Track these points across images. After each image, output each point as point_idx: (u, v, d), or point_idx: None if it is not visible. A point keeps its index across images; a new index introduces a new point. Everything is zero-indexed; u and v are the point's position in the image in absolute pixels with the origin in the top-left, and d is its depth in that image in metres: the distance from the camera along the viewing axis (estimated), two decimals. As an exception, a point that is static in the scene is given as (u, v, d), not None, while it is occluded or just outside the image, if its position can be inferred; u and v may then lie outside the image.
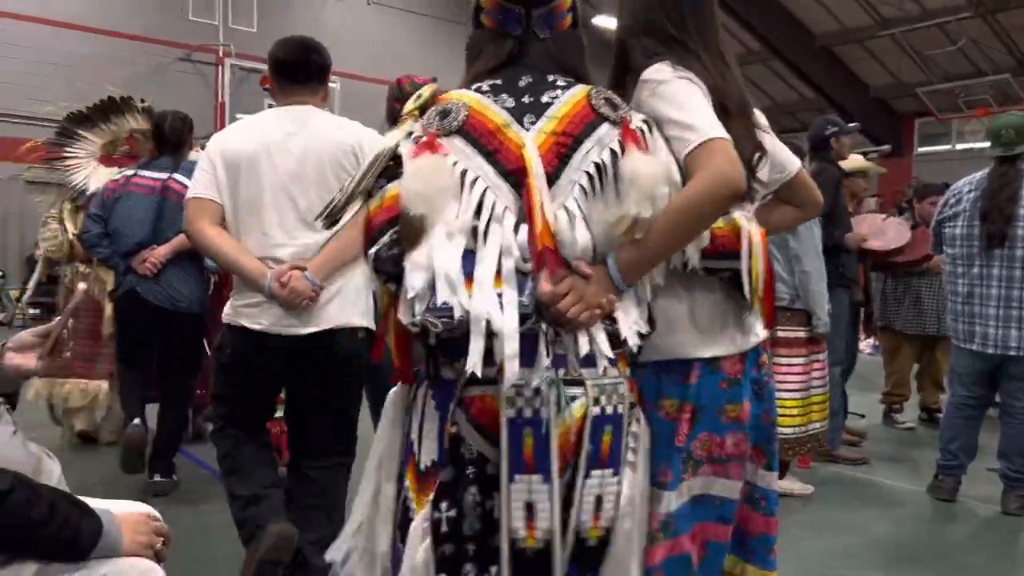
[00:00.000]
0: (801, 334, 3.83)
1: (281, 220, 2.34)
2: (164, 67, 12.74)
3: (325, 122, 2.44)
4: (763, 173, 1.63)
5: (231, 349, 2.42)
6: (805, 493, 3.97)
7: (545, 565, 1.30)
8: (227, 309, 2.43)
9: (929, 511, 3.86)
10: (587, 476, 1.32)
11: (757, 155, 1.58)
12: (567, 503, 1.32)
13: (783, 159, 1.78)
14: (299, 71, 2.46)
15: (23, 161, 4.89)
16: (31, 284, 5.14)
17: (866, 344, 7.82)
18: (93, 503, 1.34)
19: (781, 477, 3.93)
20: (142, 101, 4.55)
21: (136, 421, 3.66)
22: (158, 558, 1.43)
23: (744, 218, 1.53)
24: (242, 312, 2.37)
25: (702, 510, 1.57)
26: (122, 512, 1.41)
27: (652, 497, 1.50)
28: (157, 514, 1.50)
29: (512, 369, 1.25)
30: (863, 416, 5.73)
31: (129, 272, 3.63)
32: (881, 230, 5.06)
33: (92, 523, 1.31)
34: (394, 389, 1.52)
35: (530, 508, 1.29)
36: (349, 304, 2.39)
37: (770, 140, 1.69)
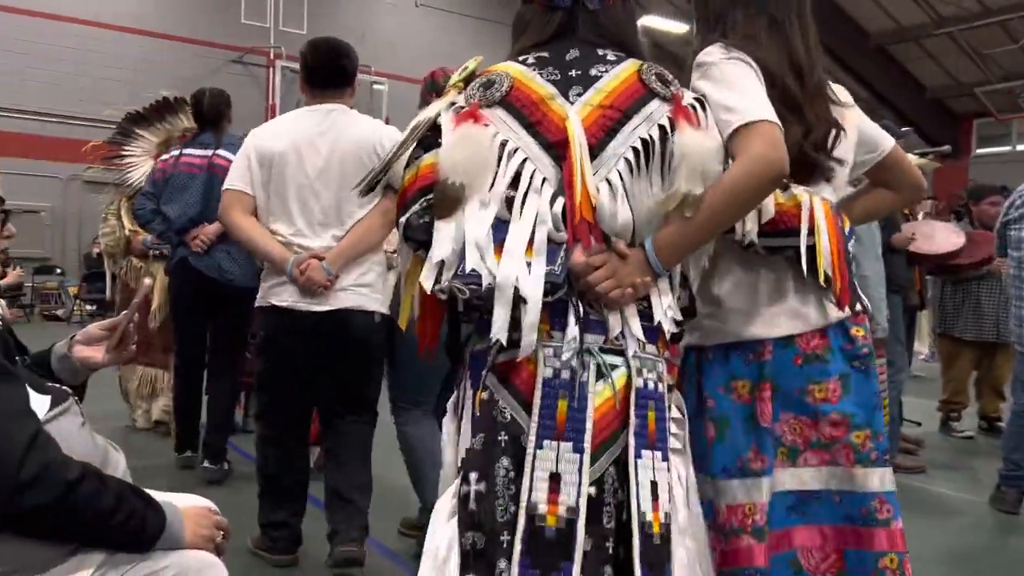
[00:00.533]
0: (859, 339, 3.74)
1: (305, 213, 2.54)
2: (217, 69, 12.98)
3: (350, 121, 2.60)
4: (846, 153, 1.56)
5: (264, 330, 2.66)
6: (861, 501, 3.86)
7: (564, 548, 1.18)
8: (259, 294, 2.64)
9: (990, 523, 3.74)
10: (638, 455, 1.25)
11: (835, 132, 1.52)
12: (610, 482, 1.24)
13: (873, 136, 1.67)
14: (331, 77, 2.63)
15: (85, 161, 5.04)
16: (108, 281, 5.35)
17: (922, 349, 7.62)
18: (157, 496, 1.36)
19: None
20: (186, 102, 4.64)
21: (188, 453, 3.99)
22: (218, 551, 1.44)
23: (808, 194, 1.48)
24: (269, 292, 2.58)
25: (820, 510, 1.48)
26: (185, 505, 1.42)
27: (736, 489, 1.44)
28: (217, 508, 1.51)
29: (530, 339, 1.22)
30: (919, 424, 5.57)
31: (181, 245, 3.79)
32: (929, 234, 4.93)
33: (157, 515, 1.32)
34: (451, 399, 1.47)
35: (555, 480, 1.20)
36: (365, 290, 2.59)
37: (856, 116, 1.62)
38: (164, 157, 4.03)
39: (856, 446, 1.49)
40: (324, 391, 2.71)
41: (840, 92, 1.63)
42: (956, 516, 3.82)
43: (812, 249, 1.45)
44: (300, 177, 2.52)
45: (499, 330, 1.23)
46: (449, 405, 1.45)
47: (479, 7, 14.73)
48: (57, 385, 1.43)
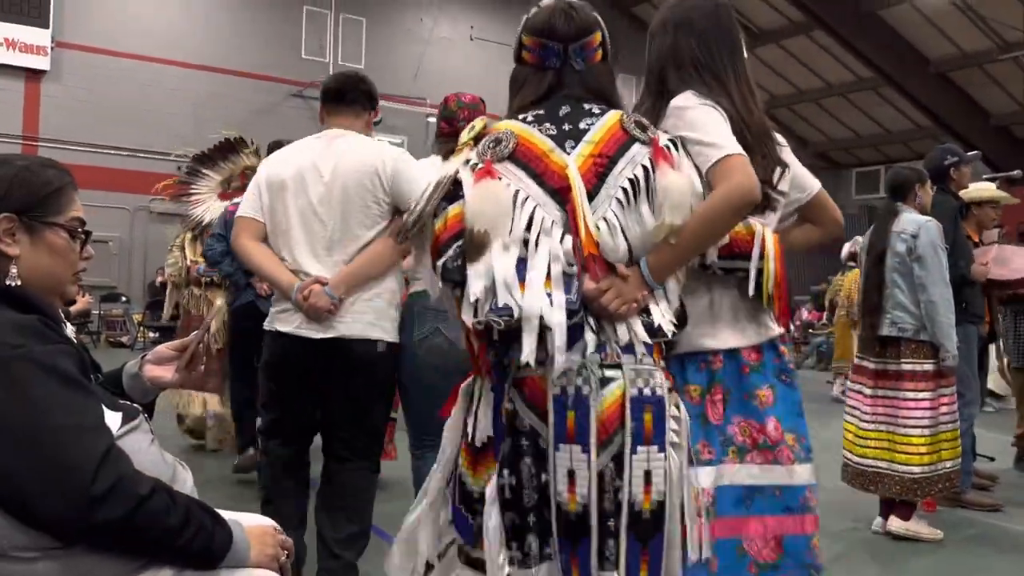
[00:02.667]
0: (928, 367, 3.63)
1: (310, 238, 2.55)
2: (278, 103, 13.39)
3: (354, 145, 2.60)
4: (783, 186, 1.81)
5: (268, 353, 2.65)
6: (935, 538, 3.70)
7: (583, 527, 1.49)
8: (268, 317, 2.67)
9: (1075, 564, 3.55)
10: (633, 451, 1.49)
11: (779, 170, 1.78)
12: (608, 475, 1.48)
13: (804, 179, 1.93)
14: (343, 94, 2.69)
15: (151, 193, 5.30)
16: (166, 308, 5.81)
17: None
18: (223, 514, 1.36)
19: (907, 518, 3.71)
20: (252, 142, 4.94)
21: (251, 451, 4.08)
22: (282, 571, 1.44)
23: (761, 224, 1.71)
24: (276, 317, 2.61)
25: (763, 503, 1.69)
26: (250, 524, 1.42)
27: (699, 475, 1.64)
28: (280, 528, 1.51)
29: (560, 359, 1.45)
30: (993, 459, 5.35)
31: (249, 287, 3.93)
32: (1005, 259, 4.74)
33: (224, 533, 1.32)
34: (464, 382, 1.71)
35: (571, 475, 1.48)
36: (369, 318, 2.55)
37: (790, 159, 1.86)
38: (236, 200, 4.09)
39: (791, 446, 1.72)
40: (326, 420, 2.67)
41: (779, 139, 1.85)
42: (1037, 556, 3.63)
43: (760, 272, 1.68)
44: (303, 202, 2.53)
45: (528, 354, 1.46)
46: (455, 410, 1.70)
47: (532, 39, 14.93)
48: (128, 403, 1.46)
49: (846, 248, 7.54)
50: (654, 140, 1.59)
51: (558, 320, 1.45)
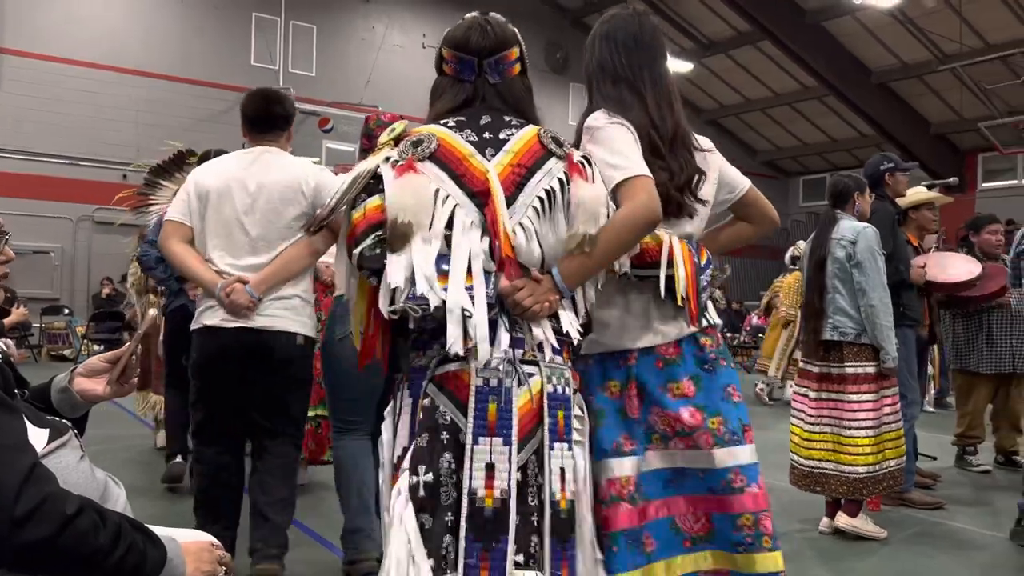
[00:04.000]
0: (870, 370, 3.71)
1: (234, 243, 2.77)
2: (225, 111, 13.15)
3: (279, 161, 2.85)
4: (707, 192, 1.92)
5: (196, 351, 2.84)
6: (879, 536, 3.78)
7: (500, 524, 1.48)
8: (194, 318, 2.84)
9: (1014, 559, 3.64)
10: (551, 448, 1.55)
11: (696, 178, 1.88)
12: (532, 469, 1.53)
13: (732, 179, 2.03)
14: (260, 122, 2.93)
15: (95, 202, 5.30)
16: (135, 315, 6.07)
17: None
18: (158, 531, 1.32)
19: (854, 516, 3.78)
20: (193, 153, 4.97)
21: (179, 459, 4.22)
22: (220, 587, 1.40)
23: (668, 233, 1.83)
24: (201, 315, 2.81)
25: (688, 483, 1.81)
26: (186, 540, 1.38)
27: (613, 466, 1.75)
28: (219, 543, 1.47)
29: (484, 348, 1.51)
30: (935, 458, 5.49)
31: (182, 293, 4.05)
32: (944, 265, 4.90)
33: (158, 551, 1.28)
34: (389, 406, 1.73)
35: (490, 469, 1.50)
36: (288, 314, 2.78)
37: (718, 161, 1.98)
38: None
39: (713, 431, 1.81)
40: (251, 409, 2.87)
41: (703, 141, 1.97)
42: (977, 552, 3.72)
43: (671, 278, 1.79)
44: (229, 210, 2.76)
45: (454, 343, 1.51)
46: (386, 413, 1.72)
47: (484, 48, 14.95)
48: (56, 419, 1.41)
49: (789, 252, 7.71)
50: (569, 155, 1.69)
51: (481, 312, 1.52)
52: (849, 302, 3.74)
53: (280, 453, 2.87)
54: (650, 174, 1.71)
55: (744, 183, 2.05)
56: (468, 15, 1.81)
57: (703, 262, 1.88)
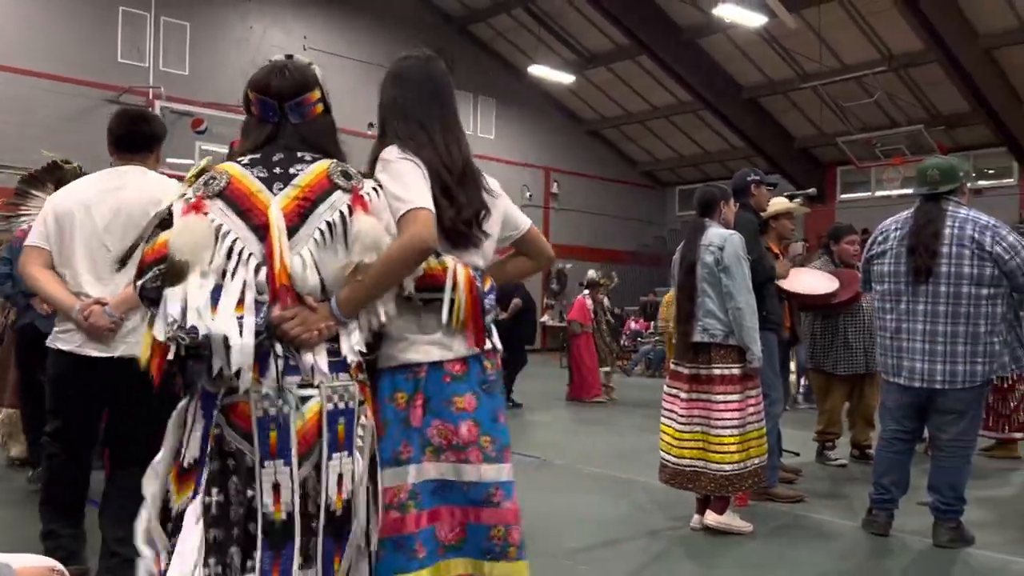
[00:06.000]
0: (736, 371, 3.88)
1: (95, 263, 2.79)
2: (91, 109, 12.43)
3: (141, 180, 2.89)
4: (492, 228, 2.09)
5: (53, 368, 2.88)
6: (745, 530, 3.96)
7: (288, 534, 1.67)
8: (51, 335, 2.87)
9: (865, 546, 3.90)
10: (329, 459, 1.70)
11: (483, 213, 2.03)
12: (311, 482, 1.68)
13: (515, 218, 2.21)
14: (126, 142, 2.96)
15: None
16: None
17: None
18: (-8, 554, 1.23)
19: (722, 512, 3.94)
20: (68, 162, 4.78)
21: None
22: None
23: (454, 261, 1.95)
24: (59, 337, 2.83)
25: (452, 495, 1.93)
26: (23, 566, 1.30)
27: (389, 475, 1.86)
28: (61, 567, 1.39)
29: (246, 377, 1.64)
30: (798, 454, 5.80)
31: (30, 309, 4.04)
32: (803, 280, 5.26)
33: (-12, 575, 1.20)
34: (179, 405, 1.82)
35: (276, 488, 1.66)
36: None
37: (503, 202, 2.15)
38: (25, 227, 4.18)
39: (483, 448, 1.94)
40: (108, 434, 2.91)
41: (492, 183, 2.13)
42: (833, 540, 3.96)
43: (453, 302, 1.92)
44: (88, 231, 2.78)
45: (217, 368, 1.63)
46: (171, 423, 1.81)
47: (366, 50, 14.74)
48: None
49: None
50: (355, 188, 1.81)
51: (246, 342, 1.63)
52: (717, 305, 3.90)
53: (132, 484, 2.80)
54: (431, 207, 1.85)
55: (525, 223, 2.24)
56: (273, 57, 1.97)
57: (486, 288, 2.02)
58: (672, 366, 4.16)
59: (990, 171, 15.50)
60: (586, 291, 10.24)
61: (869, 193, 16.66)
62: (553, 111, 18.98)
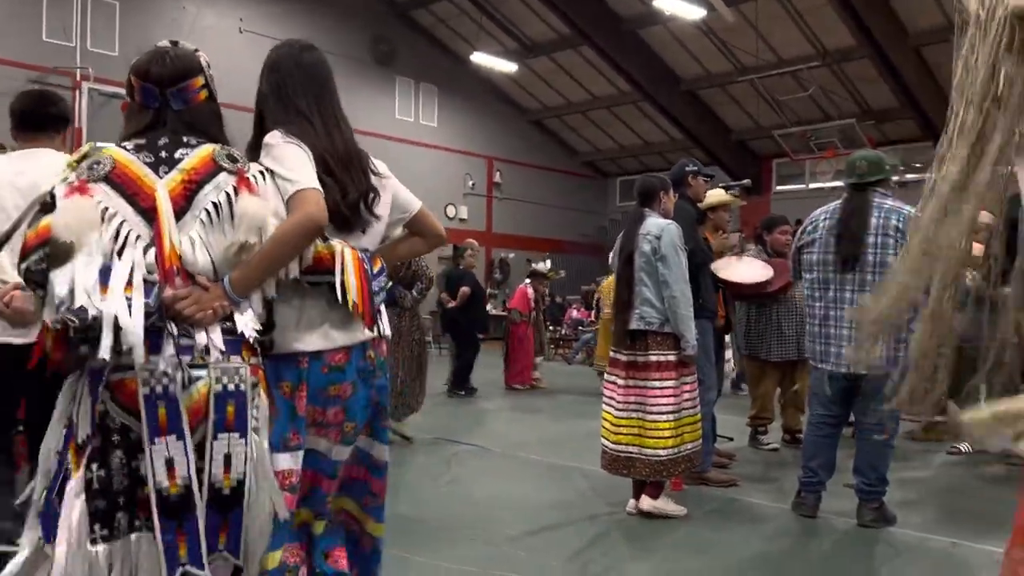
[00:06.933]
0: (671, 357, 3.95)
1: (13, 248, 2.72)
2: (13, 90, 11.94)
3: (51, 161, 2.75)
4: (382, 210, 2.14)
5: None
6: (679, 514, 4.04)
7: (186, 505, 1.70)
8: None
9: (794, 527, 4.02)
10: (215, 438, 1.72)
11: (371, 196, 2.08)
12: (201, 458, 1.71)
13: (406, 200, 2.26)
14: (32, 122, 2.89)
15: None
16: None
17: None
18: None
19: (656, 497, 4.01)
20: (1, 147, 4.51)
21: None
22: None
23: (342, 244, 1.98)
24: None
25: (311, 460, 2.01)
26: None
27: (278, 460, 1.90)
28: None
29: (138, 355, 1.64)
30: (731, 439, 5.94)
31: None
32: (740, 269, 5.39)
33: None
34: (67, 380, 1.81)
35: (170, 463, 1.69)
36: None
37: (392, 184, 2.20)
38: None
39: (344, 432, 2.04)
40: (26, 425, 2.81)
41: (381, 166, 2.18)
42: (764, 523, 4.07)
43: (343, 284, 1.95)
44: (1, 216, 2.67)
45: (104, 350, 1.62)
46: (60, 399, 1.80)
47: (304, 34, 14.33)
48: None
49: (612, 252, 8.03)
50: (240, 170, 1.85)
51: (136, 321, 1.65)
52: (654, 293, 3.96)
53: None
54: (319, 188, 1.88)
55: (416, 204, 2.29)
56: (159, 43, 1.98)
57: (375, 270, 2.07)
58: (611, 354, 4.21)
59: (917, 164, 16.04)
60: (528, 280, 10.28)
61: (803, 185, 17.07)
62: (496, 100, 18.93)
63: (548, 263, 10.77)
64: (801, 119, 15.57)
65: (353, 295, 1.96)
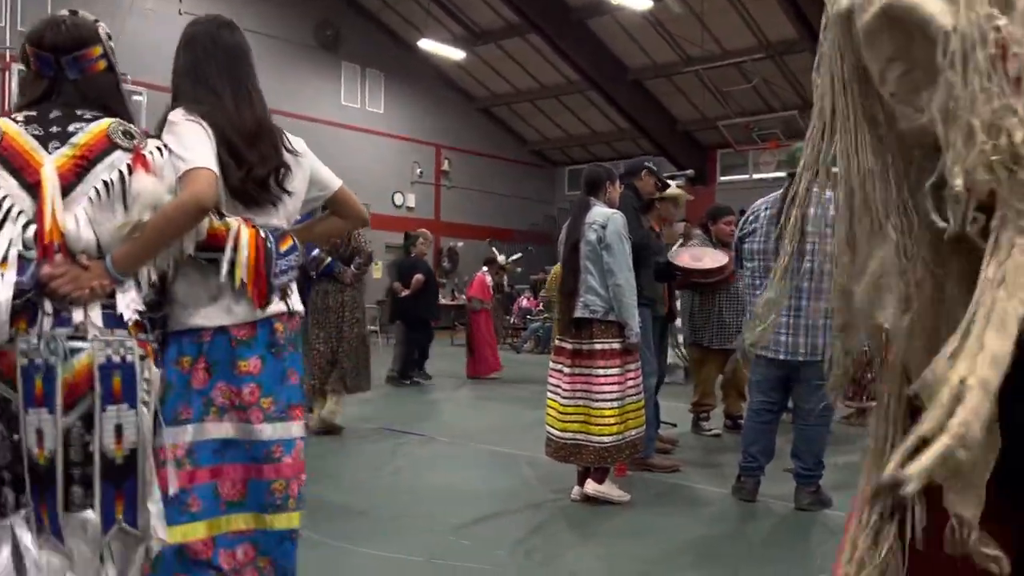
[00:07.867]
0: (615, 345, 3.99)
1: None
2: (-61, 70, 11.45)
3: None
4: (296, 186, 2.13)
5: None
6: (623, 500, 4.10)
7: (52, 477, 1.72)
8: None
9: (734, 511, 4.10)
10: (103, 410, 1.74)
11: (282, 171, 2.07)
12: (76, 431, 1.72)
13: (324, 179, 2.26)
14: None
15: None
16: None
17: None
18: None
19: (600, 482, 4.06)
20: None
21: None
22: None
23: (237, 220, 1.97)
24: None
25: (235, 453, 2.00)
26: None
27: (173, 433, 1.92)
28: None
29: (2, 332, 1.66)
30: (675, 425, 6.03)
31: None
32: (698, 256, 5.50)
33: None
34: None
35: (39, 434, 1.71)
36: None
37: (309, 162, 2.20)
38: None
39: (264, 408, 2.01)
40: None
41: (297, 143, 2.17)
42: (705, 507, 4.15)
43: (233, 262, 1.95)
44: None
45: None
46: None
47: (249, 19, 14.17)
48: None
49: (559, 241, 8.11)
50: (136, 147, 1.84)
51: (4, 296, 1.66)
52: (599, 281, 4.00)
53: None
54: (212, 167, 1.87)
55: (335, 183, 2.28)
56: (59, 12, 1.94)
57: (284, 249, 2.05)
58: (556, 342, 4.24)
59: (856, 156, 16.42)
60: (484, 268, 10.28)
61: (747, 176, 17.36)
62: (444, 87, 18.81)
63: (516, 256, 10.80)
64: (745, 110, 15.83)
65: (243, 272, 1.95)
